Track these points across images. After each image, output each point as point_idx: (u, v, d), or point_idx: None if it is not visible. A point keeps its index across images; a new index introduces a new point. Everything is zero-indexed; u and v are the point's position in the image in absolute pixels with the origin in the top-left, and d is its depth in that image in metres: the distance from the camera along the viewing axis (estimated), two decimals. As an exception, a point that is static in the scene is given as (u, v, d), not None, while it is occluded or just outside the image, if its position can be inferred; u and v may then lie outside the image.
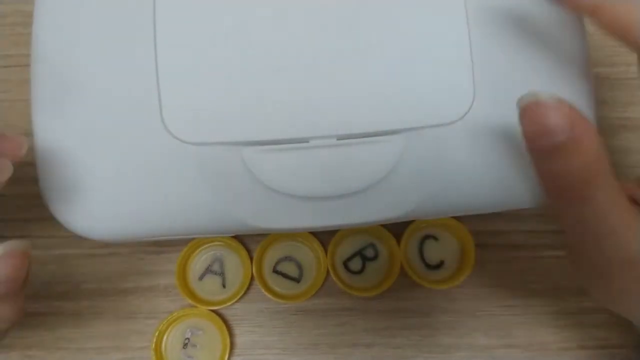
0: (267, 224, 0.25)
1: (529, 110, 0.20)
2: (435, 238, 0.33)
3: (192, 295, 0.32)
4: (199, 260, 0.33)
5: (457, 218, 0.32)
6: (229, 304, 0.32)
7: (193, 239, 0.32)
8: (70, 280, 0.33)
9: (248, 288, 0.33)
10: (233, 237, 0.33)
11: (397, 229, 0.32)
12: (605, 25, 0.22)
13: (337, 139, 0.25)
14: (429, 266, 0.33)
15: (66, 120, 0.25)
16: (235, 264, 0.33)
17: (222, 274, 0.33)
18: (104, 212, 0.25)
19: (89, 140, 0.24)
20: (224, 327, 0.32)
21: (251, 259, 0.33)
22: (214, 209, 0.25)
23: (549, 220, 0.33)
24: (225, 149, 0.24)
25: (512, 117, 0.21)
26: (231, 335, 0.32)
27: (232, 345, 0.32)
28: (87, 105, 0.24)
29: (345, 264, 0.33)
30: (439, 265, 0.33)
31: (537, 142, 0.20)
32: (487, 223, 0.33)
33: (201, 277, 0.33)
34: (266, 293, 0.32)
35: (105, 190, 0.24)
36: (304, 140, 0.24)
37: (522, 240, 0.33)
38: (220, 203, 0.24)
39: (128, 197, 0.24)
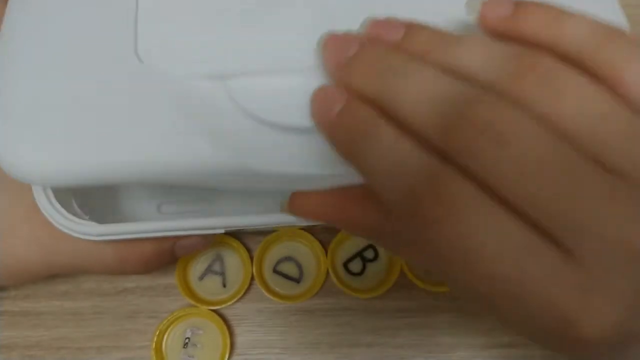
0: (258, 165, 0.22)
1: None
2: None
3: (192, 294, 0.32)
4: (200, 260, 0.33)
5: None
6: (230, 303, 0.32)
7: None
8: (71, 280, 0.33)
9: (248, 288, 0.33)
10: (234, 237, 0.33)
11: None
12: None
13: None
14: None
15: (34, 46, 0.22)
16: (236, 264, 0.33)
17: (222, 273, 0.33)
18: (63, 149, 0.21)
19: (52, 69, 0.22)
20: (225, 327, 0.32)
21: (251, 258, 0.33)
22: (197, 150, 0.21)
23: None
24: (208, 82, 0.22)
25: None
26: (231, 335, 0.32)
27: (233, 345, 0.32)
28: (58, 31, 0.22)
29: (346, 265, 0.33)
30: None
31: None
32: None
33: (201, 277, 0.33)
34: (266, 293, 0.32)
35: (69, 122, 0.21)
36: (298, 69, 0.22)
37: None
38: (203, 143, 0.21)
39: (93, 134, 0.21)
